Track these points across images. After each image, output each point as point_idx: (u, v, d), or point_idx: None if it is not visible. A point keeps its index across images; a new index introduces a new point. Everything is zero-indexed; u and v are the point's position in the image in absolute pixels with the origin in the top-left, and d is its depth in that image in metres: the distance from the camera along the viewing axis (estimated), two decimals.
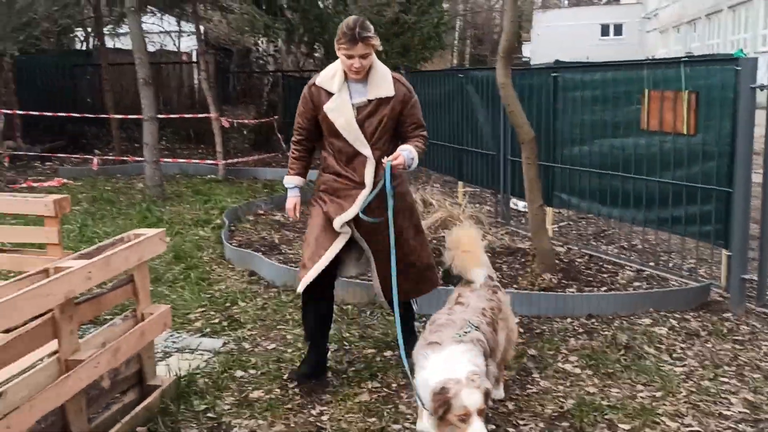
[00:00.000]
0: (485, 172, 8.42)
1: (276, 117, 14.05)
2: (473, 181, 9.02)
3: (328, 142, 3.85)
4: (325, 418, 3.56)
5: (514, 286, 5.47)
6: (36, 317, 2.88)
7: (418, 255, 3.99)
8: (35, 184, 10.62)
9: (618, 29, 46.28)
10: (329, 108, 3.71)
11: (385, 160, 3.68)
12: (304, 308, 4.00)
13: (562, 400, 3.69)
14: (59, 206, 4.36)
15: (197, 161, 12.45)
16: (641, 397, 3.69)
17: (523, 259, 6.24)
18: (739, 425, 3.41)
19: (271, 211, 8.68)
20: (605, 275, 5.79)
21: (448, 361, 2.93)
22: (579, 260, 6.26)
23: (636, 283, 5.56)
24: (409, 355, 3.64)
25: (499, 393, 3.65)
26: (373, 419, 3.53)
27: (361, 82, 3.72)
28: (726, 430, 3.37)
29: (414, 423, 3.48)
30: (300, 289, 3.85)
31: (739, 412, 3.54)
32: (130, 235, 3.61)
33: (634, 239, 7.00)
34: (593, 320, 4.81)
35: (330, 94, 3.72)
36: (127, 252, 3.38)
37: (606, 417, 3.48)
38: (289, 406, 3.68)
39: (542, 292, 5.20)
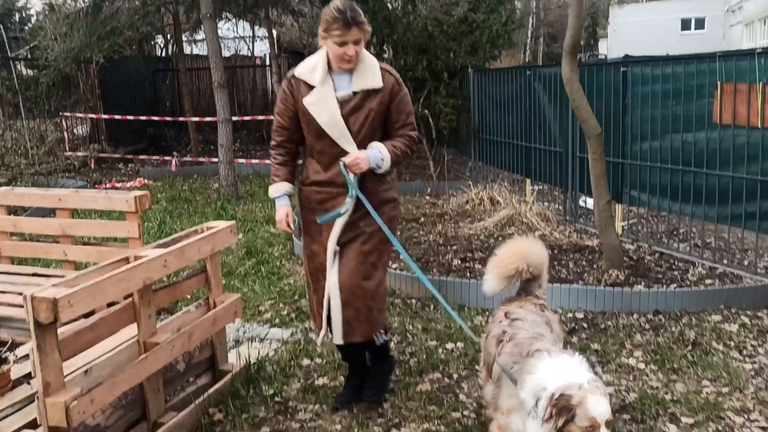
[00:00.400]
0: (554, 170, 8.34)
1: None
2: (541, 179, 8.94)
3: (309, 143, 3.47)
4: (386, 405, 3.66)
5: (580, 281, 5.44)
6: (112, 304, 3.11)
7: (369, 284, 3.41)
8: (118, 185, 11.17)
9: (699, 23, 44.67)
10: (309, 102, 3.33)
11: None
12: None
13: (624, 393, 3.67)
14: (140, 202, 4.63)
15: (270, 162, 12.75)
16: (707, 392, 3.63)
17: (590, 256, 6.18)
18: None
19: None
20: (675, 272, 5.67)
21: (564, 367, 2.59)
22: (648, 257, 6.15)
23: (708, 281, 5.42)
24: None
25: None
26: (433, 407, 3.61)
27: (347, 74, 3.35)
28: None
29: (473, 411, 3.54)
30: (319, 342, 3.58)
31: None
32: (204, 227, 3.81)
33: (709, 237, 6.80)
34: (660, 316, 4.74)
35: (311, 87, 3.35)
36: (200, 243, 3.58)
37: (669, 411, 3.45)
38: None
39: (608, 288, 5.14)
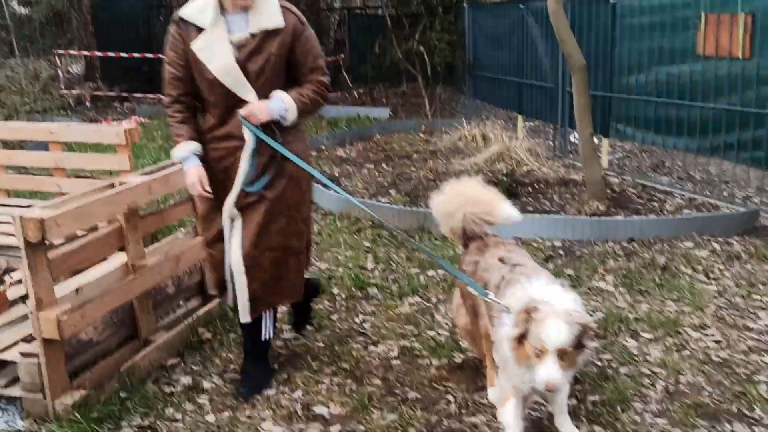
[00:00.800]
0: (545, 105, 8.39)
1: (343, 56, 14.22)
2: (534, 115, 9.00)
3: (204, 95, 3.04)
4: (367, 325, 3.87)
5: (561, 212, 5.59)
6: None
7: (276, 255, 3.10)
8: (114, 122, 11.22)
9: None
10: (199, 47, 2.92)
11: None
12: None
13: (590, 312, 3.84)
14: (130, 135, 4.75)
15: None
16: (669, 312, 3.82)
17: (574, 189, 6.31)
18: (762, 336, 3.51)
19: (333, 147, 8.94)
20: (655, 203, 5.81)
21: (554, 292, 2.41)
22: (631, 190, 6.28)
23: (686, 211, 5.57)
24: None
25: None
26: (411, 327, 3.81)
27: (241, 14, 2.96)
28: (747, 340, 3.47)
29: (448, 330, 3.74)
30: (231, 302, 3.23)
31: (765, 325, 3.63)
32: None
33: (693, 170, 6.93)
34: (634, 243, 4.90)
35: (201, 30, 2.94)
36: None
37: (631, 327, 3.65)
38: (336, 316, 4.00)
39: (586, 217, 5.29)
